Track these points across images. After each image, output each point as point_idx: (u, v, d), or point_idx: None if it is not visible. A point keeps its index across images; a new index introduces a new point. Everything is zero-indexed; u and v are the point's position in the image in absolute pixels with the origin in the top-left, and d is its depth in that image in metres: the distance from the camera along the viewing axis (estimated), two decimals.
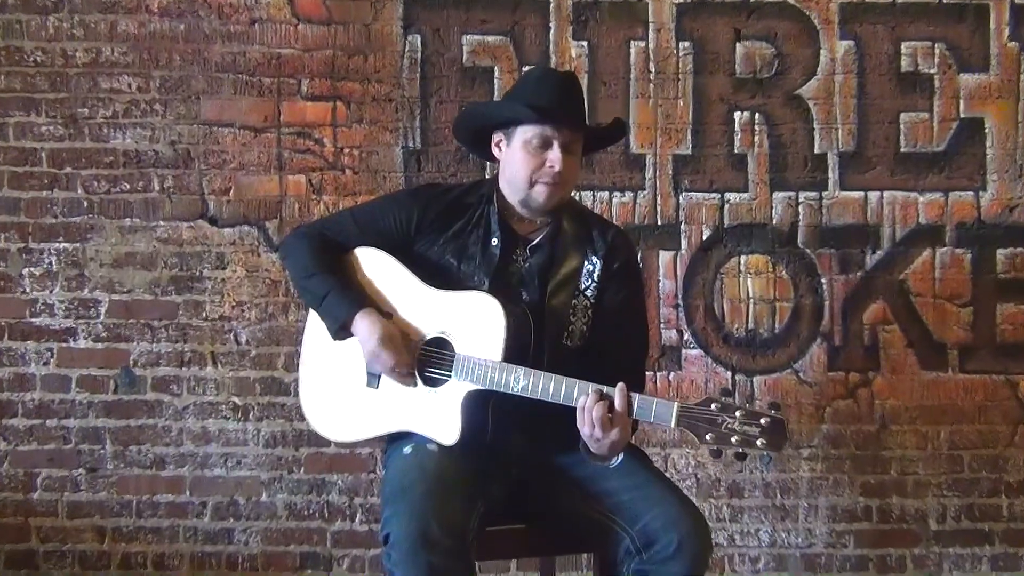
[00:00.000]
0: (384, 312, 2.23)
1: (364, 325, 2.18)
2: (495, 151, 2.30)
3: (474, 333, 2.14)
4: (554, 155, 2.17)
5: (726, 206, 3.49)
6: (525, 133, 2.19)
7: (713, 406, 1.94)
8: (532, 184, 2.20)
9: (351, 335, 2.21)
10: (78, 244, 3.44)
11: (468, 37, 3.46)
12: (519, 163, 2.21)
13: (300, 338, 2.41)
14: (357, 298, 2.22)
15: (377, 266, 2.29)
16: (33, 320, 3.44)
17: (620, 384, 2.00)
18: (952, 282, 3.48)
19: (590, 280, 2.27)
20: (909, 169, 3.48)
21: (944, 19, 3.46)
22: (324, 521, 3.47)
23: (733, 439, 1.92)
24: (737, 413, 1.92)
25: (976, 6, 3.46)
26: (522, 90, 2.28)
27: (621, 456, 2.08)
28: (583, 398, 2.00)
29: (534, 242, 2.28)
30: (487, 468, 2.15)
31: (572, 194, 2.44)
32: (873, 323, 3.48)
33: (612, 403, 1.99)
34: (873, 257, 3.48)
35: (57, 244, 3.44)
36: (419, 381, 2.19)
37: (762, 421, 1.90)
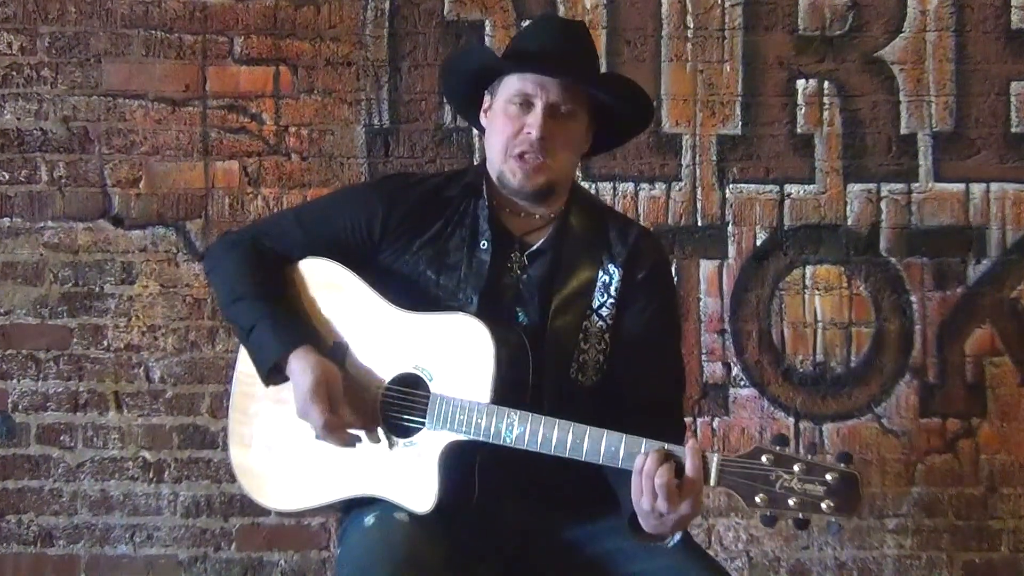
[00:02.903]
0: (335, 344, 2.22)
1: (296, 368, 2.15)
2: (483, 120, 2.32)
3: (454, 367, 2.12)
4: (533, 117, 2.17)
5: (786, 202, 3.50)
6: (505, 91, 2.21)
7: (764, 458, 1.92)
8: (507, 158, 2.21)
9: (287, 380, 2.19)
10: None
11: None
12: (497, 130, 2.22)
13: (230, 374, 2.40)
14: (294, 332, 2.20)
15: (329, 283, 2.28)
16: None
17: (691, 442, 1.98)
18: None
19: (606, 295, 2.26)
20: (1023, 154, 3.50)
21: None
22: None
23: (791, 501, 1.90)
24: (796, 467, 1.90)
25: None
26: (513, 43, 2.31)
27: (679, 534, 2.06)
28: (640, 458, 1.98)
29: (534, 246, 2.28)
30: (473, 543, 2.14)
31: (586, 184, 2.44)
32: (978, 354, 3.48)
33: (680, 465, 1.96)
34: (977, 268, 3.49)
35: None
36: (381, 432, 2.18)
37: (828, 477, 1.89)
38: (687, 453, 1.96)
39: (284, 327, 2.20)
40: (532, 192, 2.23)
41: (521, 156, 2.19)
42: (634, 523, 2.02)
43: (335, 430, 2.13)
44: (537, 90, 2.17)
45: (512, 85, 2.20)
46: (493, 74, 2.25)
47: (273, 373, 2.20)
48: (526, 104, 2.19)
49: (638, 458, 1.98)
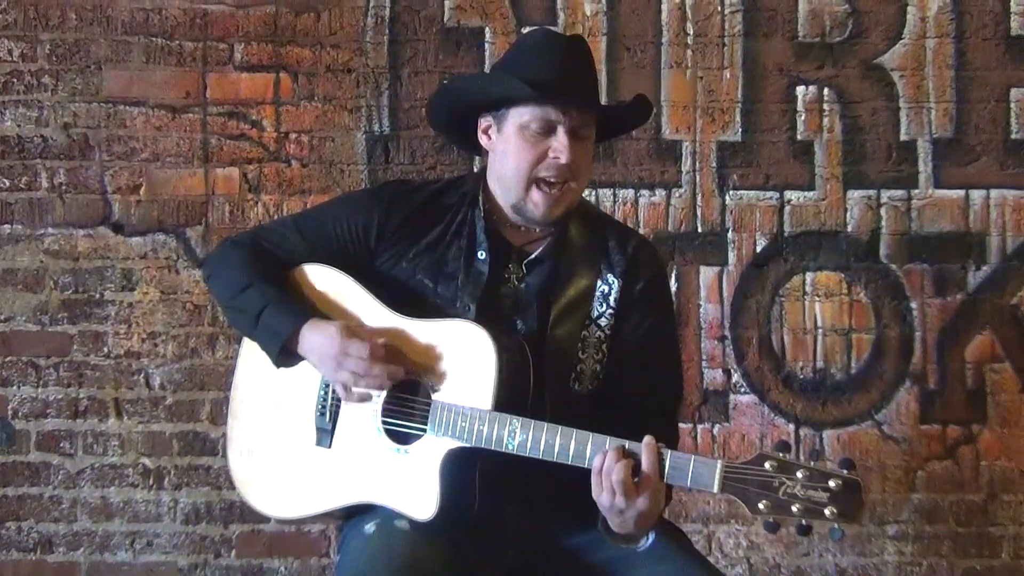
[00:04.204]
0: None
1: (316, 331, 2.17)
2: (482, 139, 2.30)
3: (456, 374, 2.13)
4: (559, 143, 2.16)
5: (786, 208, 3.50)
6: (521, 116, 2.18)
7: (768, 464, 1.93)
8: (529, 185, 2.20)
9: (299, 359, 2.21)
10: None
11: None
12: (514, 155, 2.20)
13: (230, 380, 2.40)
14: (306, 308, 2.23)
15: (329, 289, 2.28)
16: None
17: (647, 438, 1.99)
18: None
19: (605, 305, 2.26)
20: (1023, 161, 3.50)
21: None
22: None
23: (794, 508, 1.91)
24: (799, 473, 1.91)
25: None
26: (516, 60, 2.28)
27: (652, 535, 2.07)
28: (599, 457, 1.99)
29: (532, 255, 2.28)
30: (474, 551, 2.14)
31: (585, 191, 2.44)
32: (978, 360, 3.48)
33: (638, 462, 1.98)
34: (977, 275, 3.49)
35: None
36: (383, 434, 2.18)
37: (831, 484, 1.90)
38: (643, 450, 1.98)
39: (296, 304, 2.24)
40: (552, 221, 2.25)
41: (546, 182, 2.19)
42: (606, 524, 2.04)
43: (382, 351, 2.15)
44: (560, 116, 2.16)
45: (531, 111, 2.18)
46: (505, 100, 2.22)
47: (284, 354, 2.21)
48: (546, 129, 2.17)
49: (596, 457, 2.00)
